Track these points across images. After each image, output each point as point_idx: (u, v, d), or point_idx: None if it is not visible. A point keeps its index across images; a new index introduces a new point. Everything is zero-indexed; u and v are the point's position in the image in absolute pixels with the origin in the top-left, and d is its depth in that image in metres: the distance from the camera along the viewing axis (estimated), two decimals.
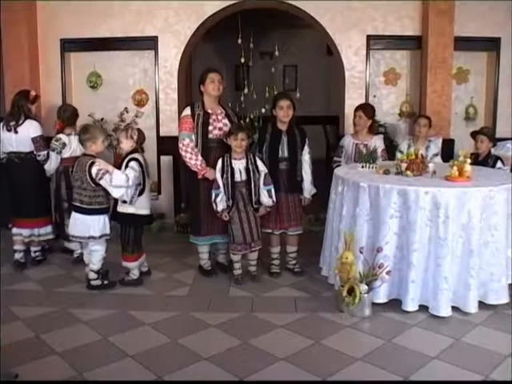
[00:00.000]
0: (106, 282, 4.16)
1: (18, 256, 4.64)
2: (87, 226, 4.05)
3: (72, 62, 6.14)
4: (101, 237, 4.09)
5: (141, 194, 4.07)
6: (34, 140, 4.49)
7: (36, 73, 5.95)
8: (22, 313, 3.65)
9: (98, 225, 4.06)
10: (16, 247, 4.65)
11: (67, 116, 4.82)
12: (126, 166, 4.01)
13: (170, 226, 5.90)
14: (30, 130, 4.48)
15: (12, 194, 4.60)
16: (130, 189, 4.00)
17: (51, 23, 5.94)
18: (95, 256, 4.11)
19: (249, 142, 4.21)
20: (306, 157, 4.33)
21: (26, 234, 4.63)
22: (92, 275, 4.12)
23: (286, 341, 3.27)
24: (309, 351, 3.13)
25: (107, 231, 4.13)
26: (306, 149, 4.34)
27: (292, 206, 4.29)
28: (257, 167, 4.14)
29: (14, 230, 4.63)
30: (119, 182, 3.93)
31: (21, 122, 4.47)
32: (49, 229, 4.74)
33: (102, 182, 3.97)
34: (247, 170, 4.10)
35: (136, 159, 4.03)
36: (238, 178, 4.09)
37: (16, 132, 4.46)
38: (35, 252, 4.74)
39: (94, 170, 3.96)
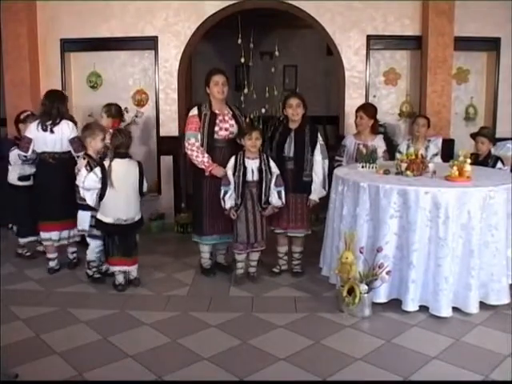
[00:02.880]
0: (96, 275, 4.24)
1: (52, 264, 4.51)
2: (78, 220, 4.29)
3: (72, 61, 6.14)
4: (79, 231, 4.29)
5: (101, 198, 3.98)
6: (71, 141, 4.41)
7: (36, 73, 5.95)
8: (22, 313, 3.65)
9: (81, 219, 4.25)
10: (49, 255, 4.50)
11: (118, 113, 5.02)
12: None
13: (170, 226, 5.90)
14: (66, 130, 4.42)
15: (40, 197, 4.46)
16: (88, 192, 3.99)
17: (51, 23, 5.94)
18: (88, 248, 4.28)
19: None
20: (317, 157, 4.23)
21: (55, 237, 4.44)
22: (86, 264, 4.30)
23: (286, 341, 3.27)
24: (309, 351, 3.13)
25: (85, 228, 4.23)
26: (318, 149, 4.23)
27: (294, 208, 4.25)
28: (269, 168, 4.11)
29: (43, 235, 4.47)
30: (78, 183, 4.07)
31: (57, 121, 4.41)
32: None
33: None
34: (260, 170, 4.08)
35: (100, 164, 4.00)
36: (249, 177, 4.08)
37: (52, 132, 4.39)
38: (72, 253, 4.63)
39: (76, 168, 4.16)
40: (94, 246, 4.23)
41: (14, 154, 4.63)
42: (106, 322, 3.56)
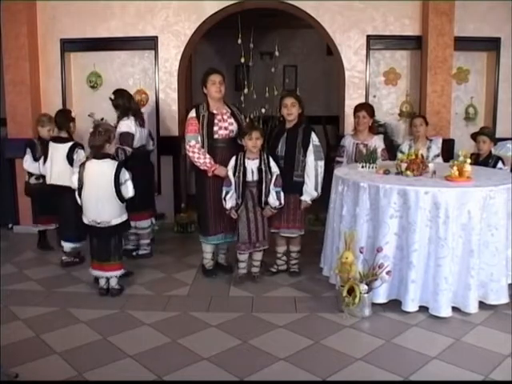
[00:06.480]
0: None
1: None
2: None
3: (72, 61, 6.13)
4: None
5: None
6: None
7: (36, 73, 5.94)
8: (21, 313, 3.65)
9: None
10: (144, 241, 4.93)
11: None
12: None
13: (170, 226, 5.90)
14: (147, 125, 4.89)
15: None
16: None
17: (51, 23, 5.94)
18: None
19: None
20: (309, 158, 4.17)
21: (146, 225, 4.85)
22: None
23: (286, 341, 3.27)
24: (309, 351, 3.13)
25: None
26: (311, 150, 4.17)
27: (286, 207, 4.20)
28: (270, 168, 4.10)
29: (140, 224, 4.80)
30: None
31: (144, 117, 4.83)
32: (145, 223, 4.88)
33: None
34: (260, 170, 4.08)
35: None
36: (249, 177, 4.07)
37: (144, 127, 4.77)
38: (147, 245, 4.96)
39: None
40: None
41: (81, 154, 4.66)
42: (106, 321, 3.56)
